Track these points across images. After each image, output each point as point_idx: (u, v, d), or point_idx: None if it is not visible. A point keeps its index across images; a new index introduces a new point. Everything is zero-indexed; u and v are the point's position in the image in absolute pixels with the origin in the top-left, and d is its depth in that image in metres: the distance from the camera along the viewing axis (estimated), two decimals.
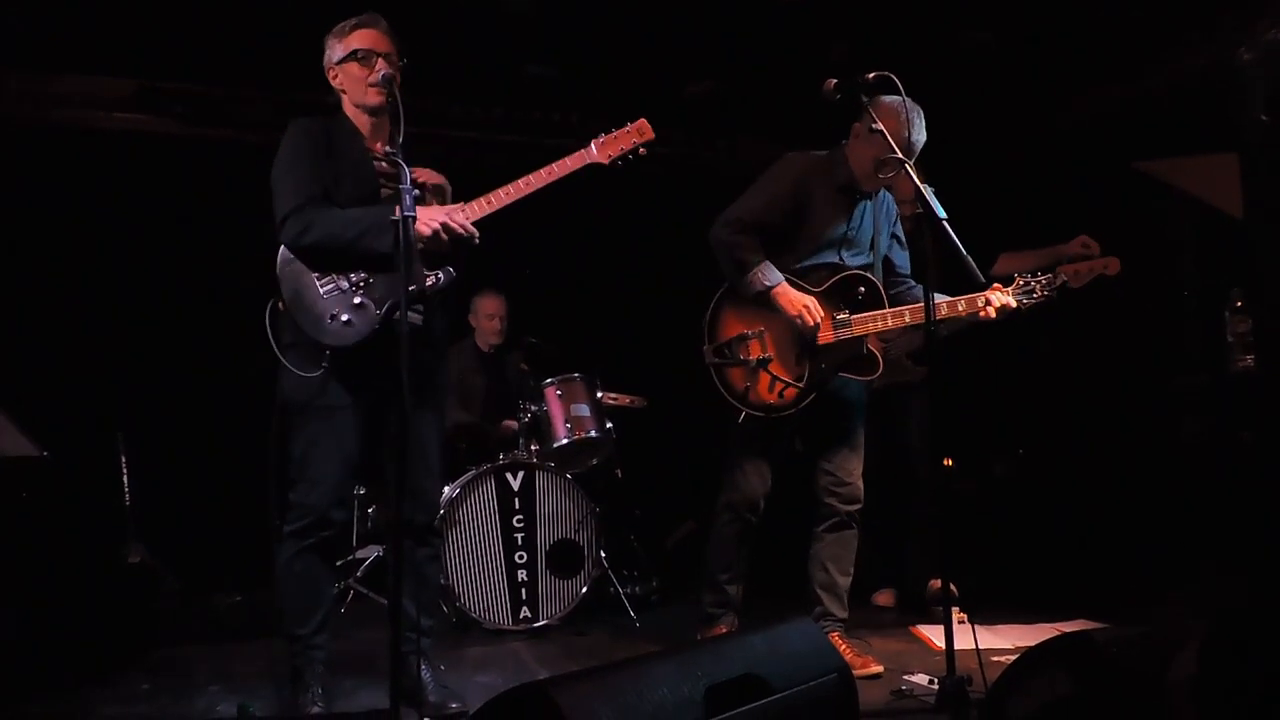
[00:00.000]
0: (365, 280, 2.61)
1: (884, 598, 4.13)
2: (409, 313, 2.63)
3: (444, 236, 2.60)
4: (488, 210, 2.67)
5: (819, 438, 3.27)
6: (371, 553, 4.41)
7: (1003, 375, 5.02)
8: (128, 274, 4.62)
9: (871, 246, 3.23)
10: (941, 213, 2.60)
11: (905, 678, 2.93)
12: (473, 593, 3.81)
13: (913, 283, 3.32)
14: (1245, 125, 2.71)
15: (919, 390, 3.92)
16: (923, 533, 3.94)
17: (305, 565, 2.65)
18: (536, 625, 3.83)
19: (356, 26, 2.70)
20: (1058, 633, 3.18)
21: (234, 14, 4.07)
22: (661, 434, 4.85)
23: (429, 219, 2.58)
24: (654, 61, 4.79)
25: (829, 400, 3.19)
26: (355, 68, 2.68)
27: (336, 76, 2.73)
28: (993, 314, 3.01)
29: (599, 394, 4.17)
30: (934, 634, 3.43)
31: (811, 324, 3.04)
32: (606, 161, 2.75)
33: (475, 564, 3.82)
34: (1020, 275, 3.09)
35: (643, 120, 2.77)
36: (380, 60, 2.66)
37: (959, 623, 2.57)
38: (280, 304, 2.62)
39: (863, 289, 3.12)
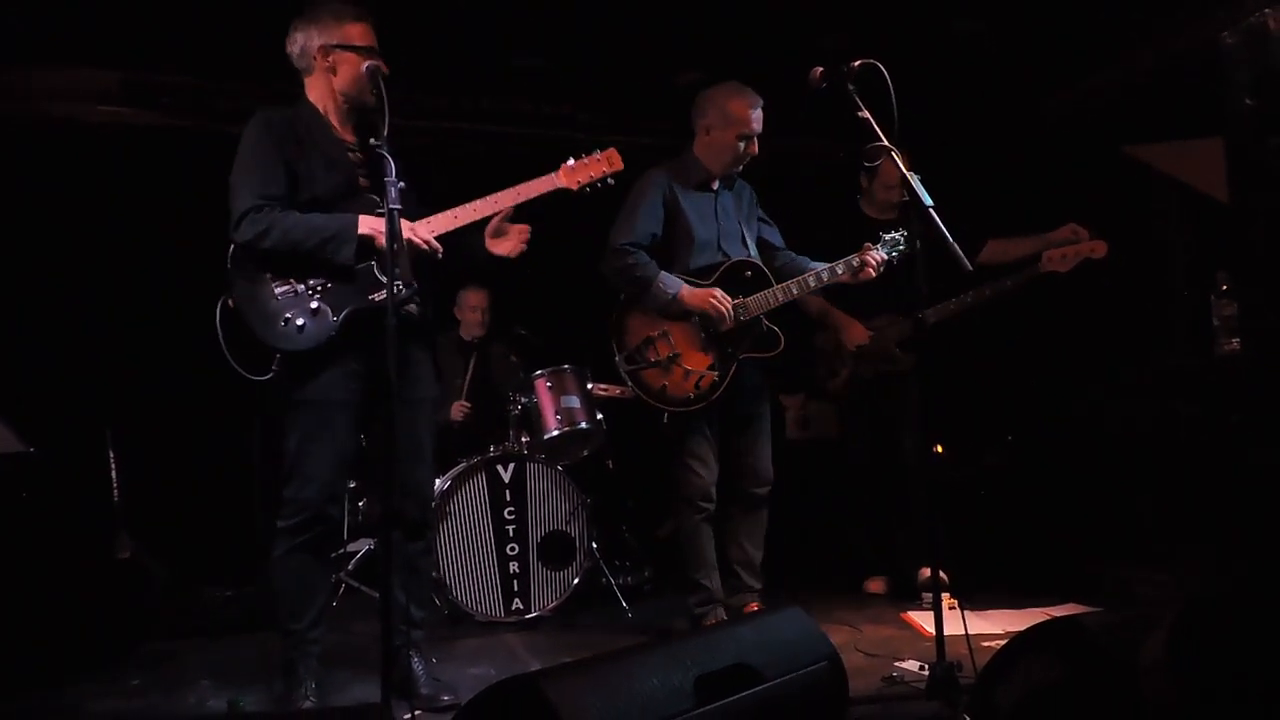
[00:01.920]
0: (323, 285, 2.57)
1: (875, 585, 4.14)
2: (409, 304, 2.65)
3: (407, 251, 2.60)
4: (452, 225, 2.67)
5: (731, 426, 3.44)
6: (363, 546, 4.40)
7: (991, 362, 5.04)
8: (114, 268, 4.58)
9: (743, 236, 3.46)
10: (928, 200, 2.60)
11: (896, 664, 2.94)
12: (464, 585, 3.80)
13: (793, 254, 3.55)
14: (1230, 109, 2.72)
15: (908, 379, 3.93)
16: (913, 520, 3.95)
17: (299, 561, 2.64)
18: (529, 617, 3.83)
19: (357, 19, 2.67)
20: (1047, 617, 3.19)
21: (220, 5, 4.04)
22: (652, 425, 4.84)
23: None
24: (643, 52, 4.77)
25: (735, 389, 3.34)
26: (355, 58, 2.64)
27: (329, 58, 2.67)
28: (872, 273, 3.31)
29: (589, 385, 4.17)
30: (925, 620, 3.43)
31: (724, 311, 3.24)
32: (575, 187, 2.79)
33: (467, 556, 3.82)
34: (885, 232, 3.34)
35: (612, 150, 2.83)
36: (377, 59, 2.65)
37: (949, 609, 2.58)
38: (230, 301, 2.56)
39: (749, 272, 3.37)
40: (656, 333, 3.31)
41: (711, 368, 3.30)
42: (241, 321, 2.53)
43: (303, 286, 2.56)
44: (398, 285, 2.58)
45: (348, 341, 2.58)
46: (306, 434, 2.62)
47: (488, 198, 2.70)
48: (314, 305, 2.55)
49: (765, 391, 3.52)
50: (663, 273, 3.27)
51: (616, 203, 3.45)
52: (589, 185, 2.80)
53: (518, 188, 2.73)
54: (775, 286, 3.33)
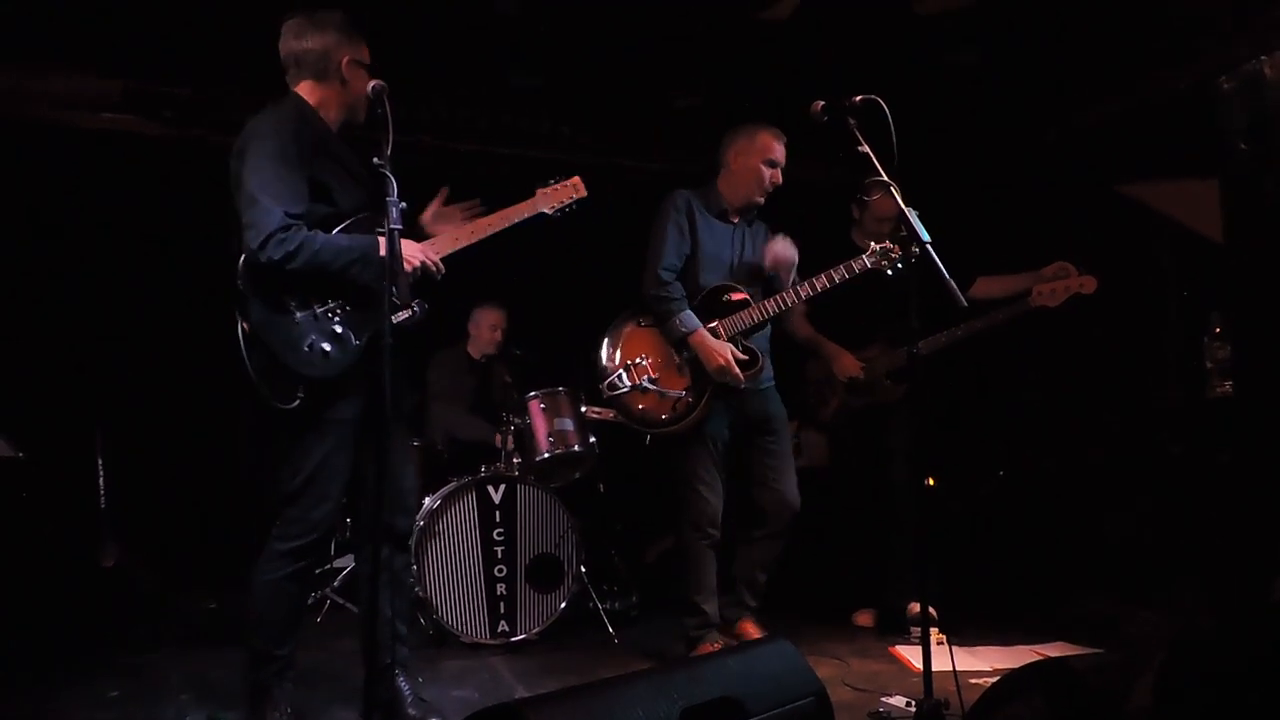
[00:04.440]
0: (342, 307, 2.55)
1: (864, 618, 4.11)
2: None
3: (419, 273, 2.64)
4: (453, 248, 2.77)
5: (751, 453, 3.57)
6: (349, 562, 4.37)
7: (984, 397, 5.05)
8: (109, 274, 4.58)
9: (759, 273, 3.57)
10: (925, 235, 2.61)
11: (883, 699, 2.91)
12: (451, 606, 3.78)
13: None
14: (1226, 153, 2.75)
15: (899, 410, 3.93)
16: (903, 553, 3.94)
17: (298, 586, 2.60)
18: (514, 639, 3.80)
19: (363, 40, 2.73)
20: (1036, 655, 3.18)
21: (223, 15, 4.05)
22: (644, 449, 4.83)
23: (411, 255, 2.59)
24: (641, 75, 4.80)
25: (738, 416, 3.50)
26: (367, 76, 2.67)
27: (342, 65, 2.67)
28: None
29: (583, 407, 4.16)
30: (913, 655, 3.42)
31: (735, 376, 3.35)
32: (550, 211, 2.94)
33: (454, 577, 3.80)
34: (876, 242, 3.43)
35: (577, 178, 2.99)
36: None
37: (937, 644, 2.56)
38: (245, 326, 2.48)
39: (730, 296, 3.48)
40: (634, 361, 3.45)
41: (686, 390, 3.42)
42: (262, 347, 2.46)
43: (321, 308, 2.52)
44: (414, 308, 2.61)
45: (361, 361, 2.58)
46: (327, 452, 2.56)
47: (479, 221, 2.83)
48: (336, 329, 2.52)
49: (775, 416, 3.58)
50: (686, 311, 3.41)
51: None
52: (560, 210, 2.96)
53: (505, 212, 2.87)
54: (753, 307, 3.45)
